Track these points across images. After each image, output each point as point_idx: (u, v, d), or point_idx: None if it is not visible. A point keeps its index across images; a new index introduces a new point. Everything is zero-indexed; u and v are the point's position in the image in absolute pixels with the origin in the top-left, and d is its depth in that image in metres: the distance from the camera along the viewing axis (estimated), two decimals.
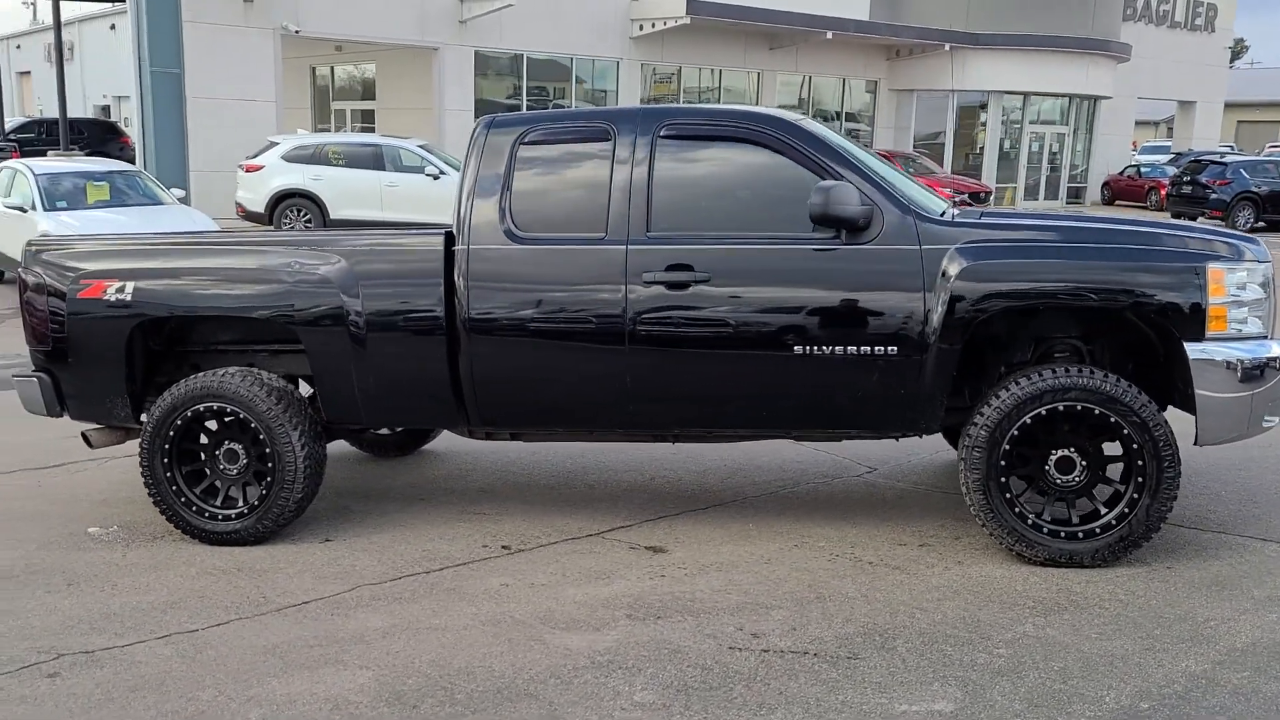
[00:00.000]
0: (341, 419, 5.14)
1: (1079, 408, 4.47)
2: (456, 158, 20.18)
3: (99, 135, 26.98)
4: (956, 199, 24.35)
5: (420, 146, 17.74)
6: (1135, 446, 4.46)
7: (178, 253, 5.28)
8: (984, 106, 30.38)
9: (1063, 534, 4.56)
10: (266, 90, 19.83)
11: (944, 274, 4.53)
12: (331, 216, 17.21)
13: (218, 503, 5.10)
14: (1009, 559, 4.63)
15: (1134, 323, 4.72)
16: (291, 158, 17.28)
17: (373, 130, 24.80)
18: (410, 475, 6.12)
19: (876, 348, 4.61)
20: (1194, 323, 4.45)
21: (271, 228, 16.61)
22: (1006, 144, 31.12)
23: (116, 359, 5.17)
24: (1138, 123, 39.72)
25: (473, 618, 4.17)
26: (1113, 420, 4.45)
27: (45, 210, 12.58)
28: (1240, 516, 5.25)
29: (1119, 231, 4.68)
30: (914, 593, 4.34)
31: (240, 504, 5.07)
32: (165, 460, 5.06)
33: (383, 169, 17.39)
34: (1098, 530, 4.54)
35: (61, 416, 5.37)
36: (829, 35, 26.28)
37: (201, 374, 5.09)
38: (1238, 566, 4.58)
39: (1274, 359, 4.50)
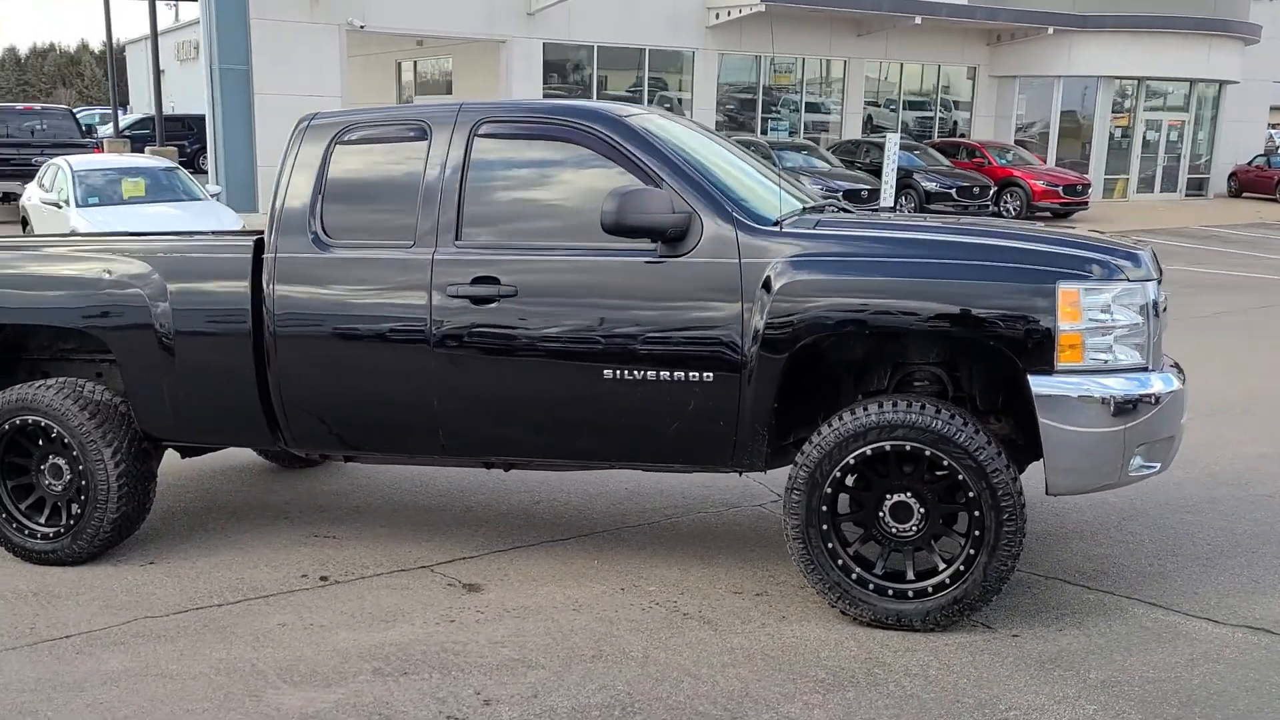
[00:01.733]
0: (158, 434, 4.88)
1: (908, 448, 3.88)
2: None
3: None
4: (1053, 191, 23.12)
5: None
6: (971, 495, 3.85)
7: (8, 257, 5.09)
8: (1091, 92, 28.71)
9: (890, 592, 3.98)
10: (332, 85, 19.99)
11: (763, 290, 3.99)
12: None
13: (42, 520, 4.91)
14: (840, 618, 4.07)
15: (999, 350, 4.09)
16: None
17: None
18: (293, 491, 5.85)
19: (691, 373, 4.10)
20: (1040, 351, 3.80)
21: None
22: (1118, 133, 29.36)
23: None
24: (1273, 108, 36.97)
25: (213, 665, 3.84)
26: (946, 464, 3.85)
27: (78, 206, 12.86)
28: (1146, 574, 4.54)
29: (970, 245, 4.04)
30: (702, 655, 3.83)
31: (61, 523, 4.87)
32: None
33: None
34: (930, 590, 3.95)
35: None
36: (918, 20, 25.14)
37: (20, 385, 4.91)
38: (1094, 639, 3.92)
39: (1148, 396, 3.82)
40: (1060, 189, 23.44)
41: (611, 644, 3.93)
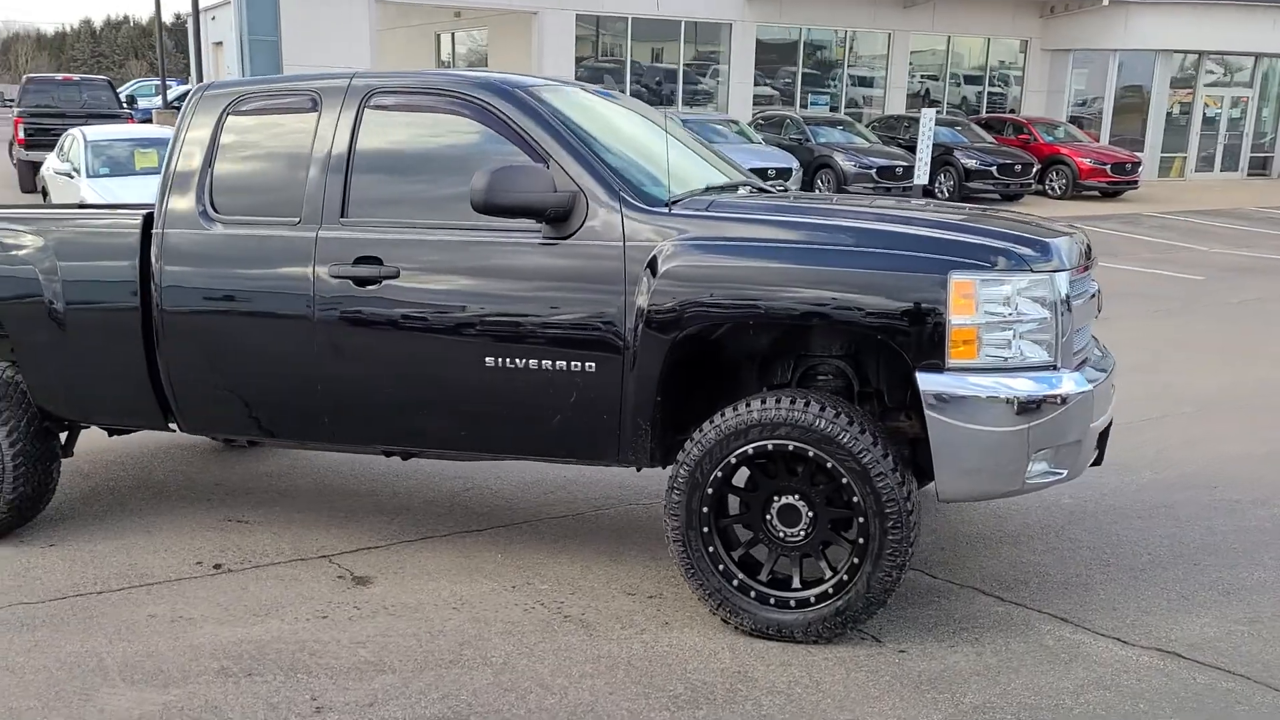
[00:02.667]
0: (53, 413, 4.75)
1: (790, 447, 3.61)
2: None
3: None
4: (1100, 169, 22.33)
5: None
6: (855, 499, 3.57)
7: None
8: (1148, 67, 27.69)
9: (772, 600, 3.72)
10: (361, 57, 19.90)
11: (648, 275, 3.74)
12: None
13: None
14: (724, 626, 3.82)
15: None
16: None
17: None
18: (226, 472, 5.73)
19: (573, 362, 3.86)
20: (928, 346, 3.50)
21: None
22: (1176, 110, 28.32)
23: None
24: None
25: (61, 659, 3.70)
26: (829, 465, 3.57)
27: (88, 176, 12.90)
28: (1070, 586, 4.24)
29: (863, 231, 3.73)
30: (565, 663, 3.61)
31: None
32: None
33: None
34: (812, 600, 3.68)
35: None
36: None
37: None
38: (986, 657, 3.63)
39: (1052, 397, 3.50)
40: (1108, 167, 22.64)
41: (476, 648, 3.73)
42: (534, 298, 3.90)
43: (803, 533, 3.70)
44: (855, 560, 3.61)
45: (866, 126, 23.29)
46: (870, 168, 19.99)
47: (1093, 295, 4.05)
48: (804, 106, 25.46)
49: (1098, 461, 4.04)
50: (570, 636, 3.81)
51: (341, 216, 4.18)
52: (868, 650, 3.67)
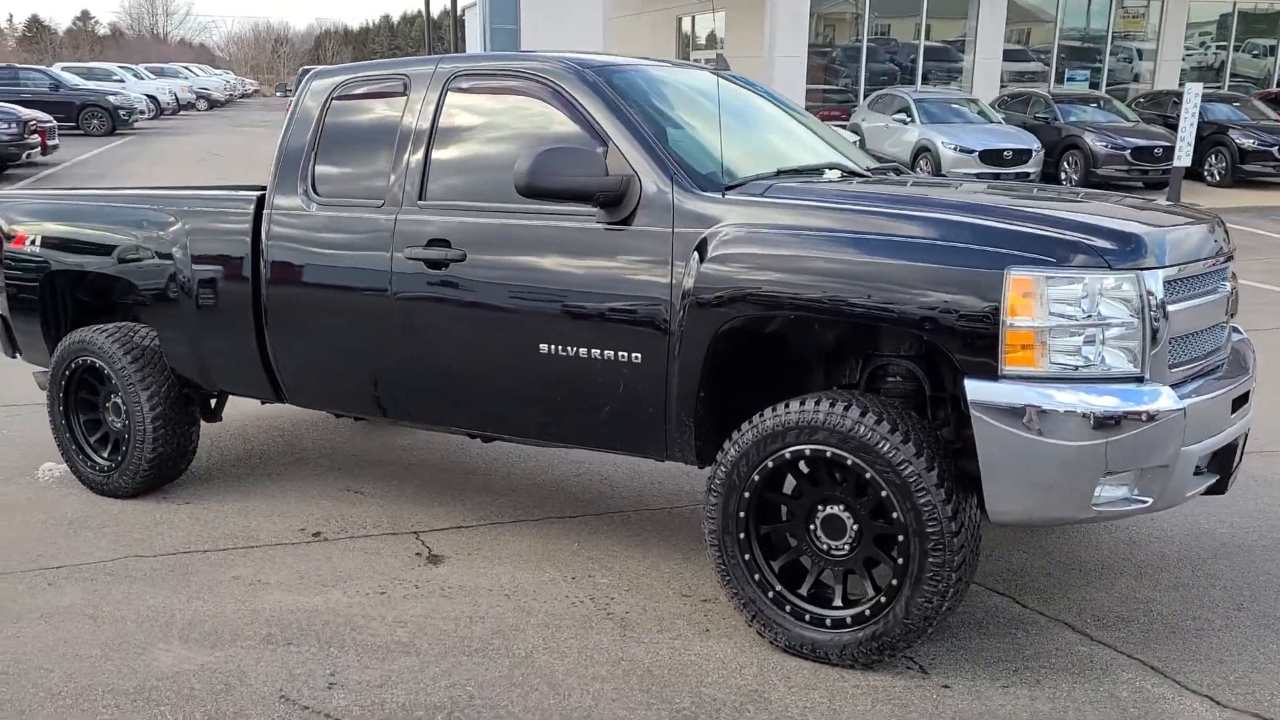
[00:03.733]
0: (190, 382, 5.07)
1: (829, 454, 3.33)
2: None
3: None
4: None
5: None
6: (895, 516, 3.25)
7: (79, 210, 5.43)
8: None
9: (808, 618, 3.46)
10: (595, 42, 20.26)
11: (696, 262, 3.55)
12: None
13: (105, 454, 5.29)
14: (760, 639, 3.59)
15: None
16: None
17: None
18: (367, 442, 5.96)
19: (620, 352, 3.73)
20: (981, 350, 3.12)
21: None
22: None
23: (34, 307, 5.47)
24: None
25: (140, 611, 3.94)
26: (869, 476, 3.27)
27: None
28: (1178, 631, 3.69)
29: (923, 220, 3.36)
30: (585, 663, 3.50)
31: (115, 458, 5.22)
32: (61, 408, 5.32)
33: None
34: (848, 620, 3.40)
35: (15, 358, 5.80)
36: None
37: (84, 328, 5.26)
38: (1040, 703, 3.21)
39: (1133, 414, 3.05)
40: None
41: (507, 638, 3.68)
42: (586, 284, 3.79)
43: (847, 546, 3.42)
44: (894, 582, 3.29)
45: (1129, 104, 21.52)
46: (1124, 149, 18.45)
47: (1225, 295, 3.52)
48: (1060, 83, 23.82)
49: (1220, 488, 3.51)
50: (603, 635, 3.69)
51: (420, 199, 4.21)
52: (907, 681, 3.34)
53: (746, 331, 3.55)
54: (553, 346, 3.86)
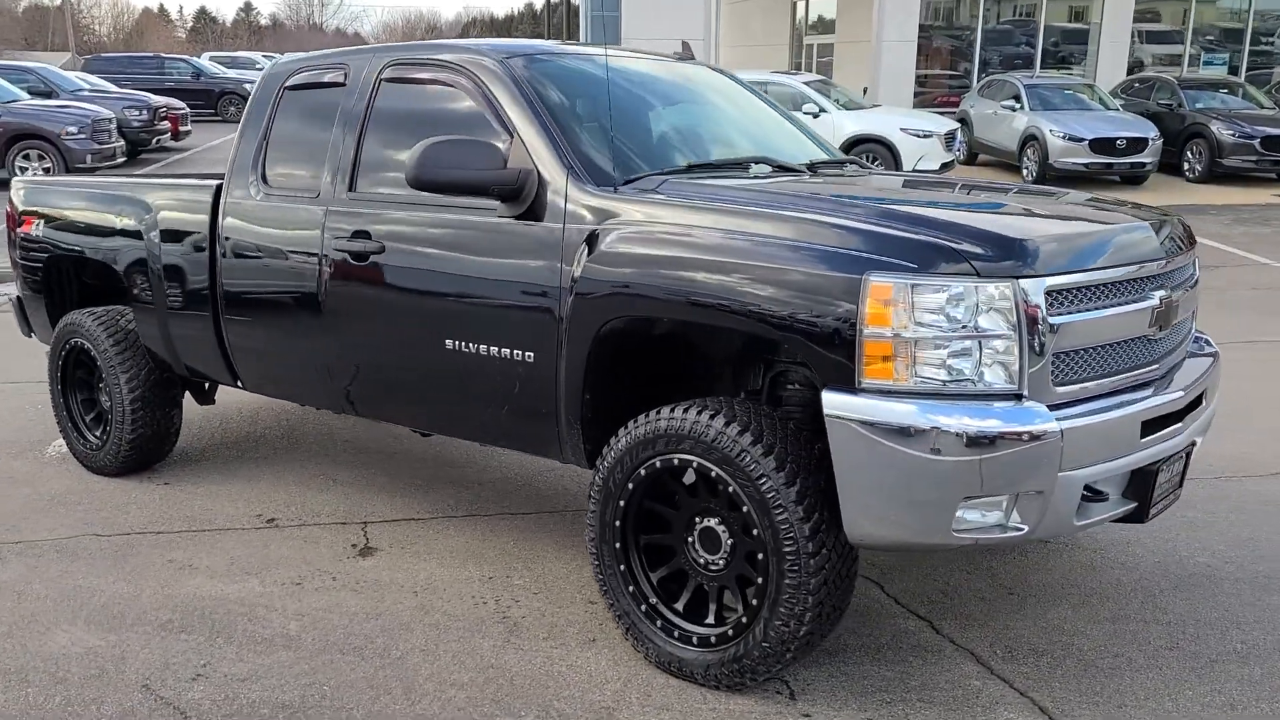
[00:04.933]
0: (164, 365, 5.19)
1: (695, 464, 3.17)
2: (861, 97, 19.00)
3: None
4: None
5: (806, 83, 16.89)
6: (755, 532, 3.08)
7: (76, 195, 5.59)
8: None
9: (676, 634, 3.31)
10: (696, 28, 20.04)
11: (580, 261, 3.43)
12: None
13: (97, 432, 5.48)
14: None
15: None
16: None
17: (829, 64, 24.12)
18: (368, 429, 6.00)
19: (515, 350, 3.64)
20: (836, 362, 2.91)
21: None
22: None
23: (40, 289, 5.69)
24: None
25: (65, 590, 4.05)
26: (730, 490, 3.10)
27: None
28: (1099, 669, 3.39)
29: (791, 220, 3.13)
30: (453, 669, 3.44)
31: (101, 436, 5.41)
32: (59, 386, 5.54)
33: None
34: (713, 640, 3.24)
35: (30, 337, 6.05)
36: None
37: (78, 310, 5.45)
38: None
39: (1001, 434, 2.81)
40: None
41: (390, 638, 3.64)
42: (484, 279, 3.71)
43: (722, 561, 3.26)
44: (755, 602, 3.12)
45: (1268, 90, 20.17)
46: (1253, 138, 17.28)
47: (1155, 305, 3.21)
48: (1195, 67, 22.49)
49: (1138, 516, 3.21)
50: (487, 640, 3.61)
51: (350, 191, 4.20)
52: (768, 707, 3.16)
53: (632, 333, 3.41)
54: (456, 342, 3.80)
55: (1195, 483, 5.03)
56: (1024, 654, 3.47)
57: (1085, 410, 2.96)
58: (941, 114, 19.35)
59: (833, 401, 2.90)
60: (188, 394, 5.42)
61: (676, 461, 3.20)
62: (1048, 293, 2.90)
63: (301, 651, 3.55)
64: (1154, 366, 3.29)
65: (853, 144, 16.21)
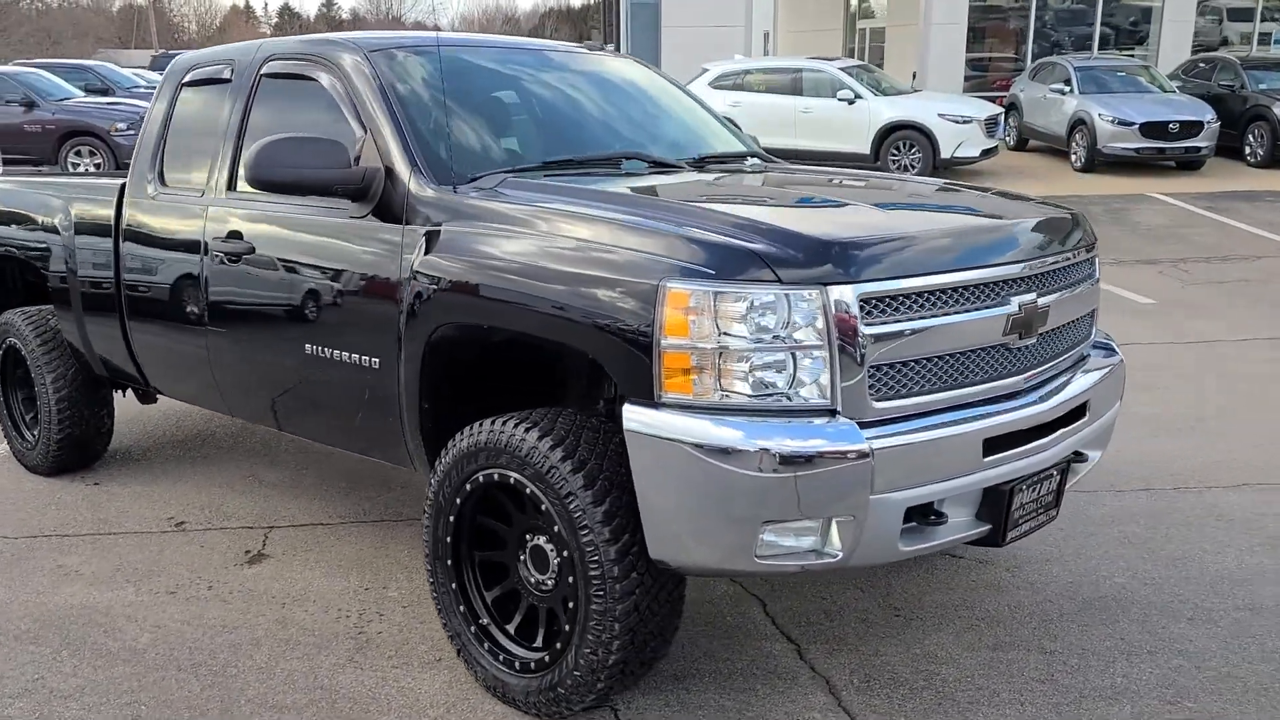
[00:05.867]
0: (87, 365, 5.15)
1: (512, 480, 3.00)
2: (905, 82, 18.55)
3: None
4: None
5: (842, 70, 16.48)
6: (565, 554, 2.89)
7: (15, 193, 5.52)
8: None
9: (501, 657, 3.15)
10: (735, 15, 19.74)
11: (414, 266, 3.28)
12: None
13: (35, 431, 5.48)
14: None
15: None
16: (718, 84, 17.12)
17: (881, 49, 23.58)
18: None
19: (363, 356, 3.51)
20: (637, 373, 2.72)
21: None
22: None
23: None
24: None
25: None
26: (544, 507, 2.92)
27: None
28: (958, 703, 3.14)
29: (611, 222, 2.93)
30: (278, 691, 3.31)
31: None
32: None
33: (799, 94, 16.50)
34: (532, 665, 3.06)
35: None
36: None
37: (12, 310, 5.44)
38: None
39: (799, 455, 2.58)
40: None
41: (234, 654, 3.52)
42: (335, 284, 3.58)
43: (551, 582, 3.08)
44: (568, 627, 2.94)
45: None
46: None
47: (1011, 313, 2.94)
48: (1266, 45, 21.50)
49: (994, 540, 2.96)
50: (329, 658, 3.48)
51: (229, 189, 4.10)
52: None
53: (463, 340, 3.24)
54: (314, 346, 3.67)
55: (1148, 493, 4.73)
56: (882, 684, 3.23)
57: (909, 428, 2.72)
58: (991, 99, 18.77)
59: (631, 415, 2.71)
60: (131, 394, 5.37)
61: (497, 476, 3.03)
62: (864, 300, 2.66)
63: (140, 666, 3.46)
64: (1016, 378, 3.02)
65: (889, 131, 15.80)
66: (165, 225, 4.37)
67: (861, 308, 2.65)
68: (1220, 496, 4.71)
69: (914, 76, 20.43)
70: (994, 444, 2.88)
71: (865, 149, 15.95)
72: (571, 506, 2.82)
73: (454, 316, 3.16)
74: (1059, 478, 3.14)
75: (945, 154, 15.63)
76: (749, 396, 2.64)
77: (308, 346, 3.69)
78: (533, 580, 3.12)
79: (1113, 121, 16.21)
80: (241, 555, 4.33)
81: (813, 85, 16.49)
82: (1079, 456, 3.40)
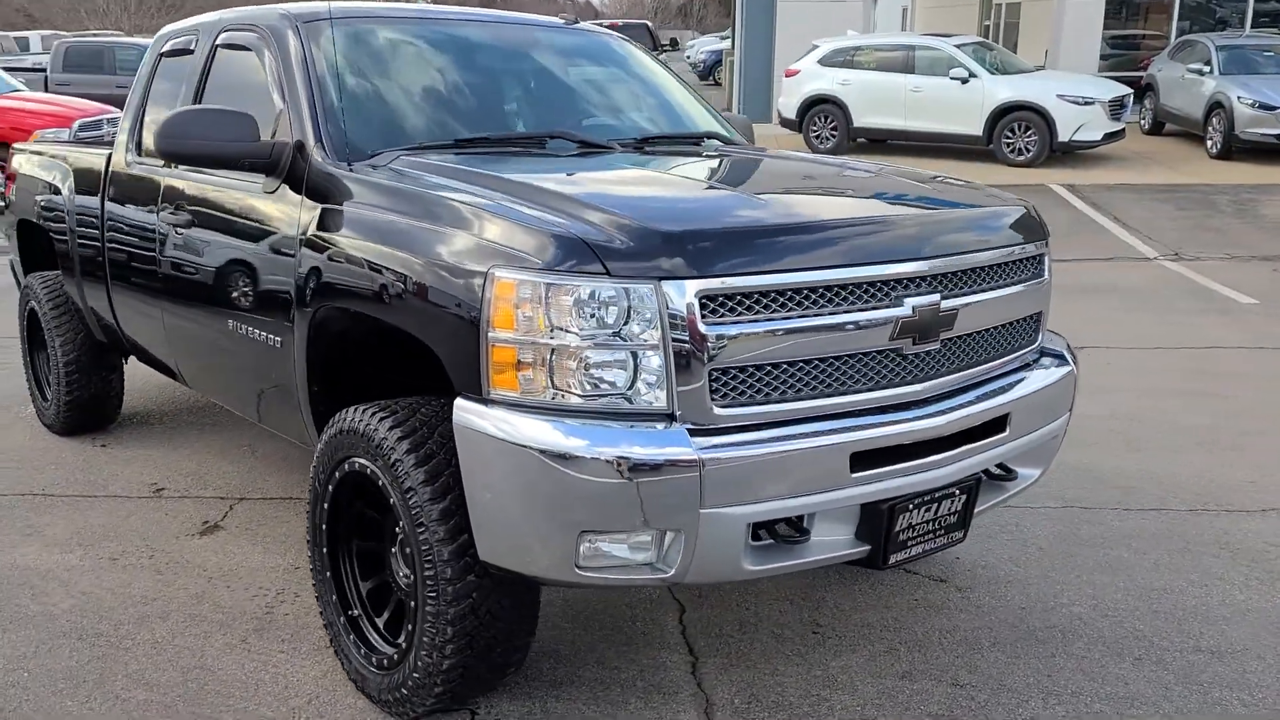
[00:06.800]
0: (90, 330, 5.26)
1: (369, 471, 2.89)
2: (1026, 59, 17.69)
3: None
4: None
5: (958, 46, 15.74)
6: (409, 550, 2.77)
7: (36, 158, 5.69)
8: None
9: (362, 650, 3.05)
10: None
11: (301, 244, 3.21)
12: (855, 124, 16.28)
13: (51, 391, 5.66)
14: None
15: None
16: (827, 61, 16.60)
17: (1016, 26, 22.51)
18: None
19: (268, 335, 3.46)
20: (467, 367, 2.56)
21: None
22: None
23: (19, 250, 5.90)
24: None
25: None
26: (392, 501, 2.80)
27: None
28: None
29: (464, 206, 2.75)
30: (160, 668, 3.30)
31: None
32: (26, 345, 5.78)
33: (911, 72, 15.86)
34: (385, 663, 2.95)
35: None
36: None
37: (34, 274, 5.62)
38: None
39: (617, 461, 2.39)
40: None
41: (137, 627, 3.52)
42: (246, 257, 3.53)
43: (408, 578, 2.96)
44: (410, 625, 2.82)
45: None
46: None
47: (906, 316, 2.68)
48: None
49: (873, 561, 2.71)
50: (224, 638, 3.45)
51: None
52: None
53: (341, 324, 3.14)
54: (232, 322, 3.64)
55: (1158, 513, 4.34)
56: (763, 706, 3.00)
57: (756, 437, 2.49)
58: (1133, 80, 17.69)
59: (460, 409, 2.56)
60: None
61: (358, 466, 2.92)
62: (707, 297, 2.44)
63: (44, 633, 3.50)
64: (912, 387, 2.74)
65: (1003, 112, 15.05)
66: (135, 194, 4.41)
67: (704, 305, 2.43)
68: (1237, 522, 4.26)
69: (1046, 55, 19.44)
70: (866, 459, 2.62)
71: (977, 130, 15.24)
72: (411, 501, 2.69)
73: (327, 298, 3.07)
74: (964, 497, 2.84)
75: (1063, 137, 14.80)
76: (580, 397, 2.45)
77: (230, 322, 3.66)
78: (401, 574, 3.01)
79: (1253, 105, 15.06)
80: (198, 525, 4.36)
81: (926, 63, 15.82)
82: (1007, 473, 3.09)
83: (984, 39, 16.82)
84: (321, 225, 3.11)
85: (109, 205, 4.59)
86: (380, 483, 2.82)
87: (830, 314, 2.57)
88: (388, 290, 2.79)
